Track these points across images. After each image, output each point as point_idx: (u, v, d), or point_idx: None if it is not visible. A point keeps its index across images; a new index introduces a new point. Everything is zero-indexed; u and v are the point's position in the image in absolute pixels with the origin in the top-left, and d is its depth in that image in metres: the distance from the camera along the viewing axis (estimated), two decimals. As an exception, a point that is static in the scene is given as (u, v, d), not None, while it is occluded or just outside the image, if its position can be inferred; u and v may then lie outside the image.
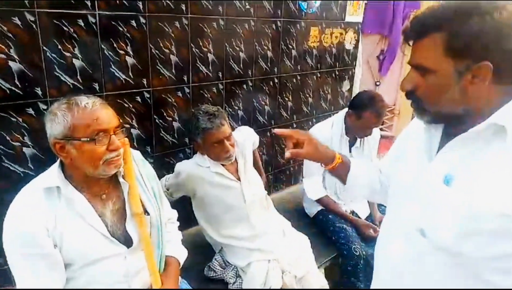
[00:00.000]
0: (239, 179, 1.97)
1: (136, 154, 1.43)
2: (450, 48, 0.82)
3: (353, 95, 3.11)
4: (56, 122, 1.14)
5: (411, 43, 0.90)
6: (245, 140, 2.03)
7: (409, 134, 1.15)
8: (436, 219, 0.91)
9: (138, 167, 1.38)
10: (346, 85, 3.30)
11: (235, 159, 1.97)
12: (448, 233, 0.88)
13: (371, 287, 1.20)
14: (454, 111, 0.88)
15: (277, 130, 1.20)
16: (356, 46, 3.22)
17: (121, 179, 1.30)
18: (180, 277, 1.55)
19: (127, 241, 1.29)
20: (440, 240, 0.90)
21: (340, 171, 1.24)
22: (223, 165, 1.93)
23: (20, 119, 1.62)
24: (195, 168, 1.92)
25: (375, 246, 1.20)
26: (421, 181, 0.96)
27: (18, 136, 1.63)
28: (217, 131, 1.77)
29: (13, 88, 1.57)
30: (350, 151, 2.42)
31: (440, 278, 0.93)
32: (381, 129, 4.05)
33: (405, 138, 1.18)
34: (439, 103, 0.89)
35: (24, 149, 1.66)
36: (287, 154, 1.15)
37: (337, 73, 3.16)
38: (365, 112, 2.16)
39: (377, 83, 4.24)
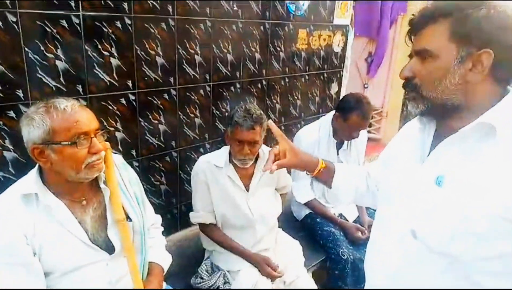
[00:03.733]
0: (247, 189, 1.96)
1: (117, 158, 1.40)
2: (456, 33, 0.84)
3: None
4: (34, 127, 1.12)
5: (413, 38, 0.93)
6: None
7: (401, 138, 1.15)
8: (427, 220, 0.91)
9: (119, 172, 1.35)
10: (334, 88, 3.30)
11: (253, 170, 1.96)
12: (438, 234, 0.88)
13: None
14: (449, 101, 0.89)
15: (271, 123, 1.23)
16: (344, 49, 3.23)
17: (102, 185, 1.28)
18: (164, 283, 1.53)
19: (109, 248, 1.27)
20: (431, 241, 0.90)
21: (325, 176, 1.24)
22: (237, 167, 1.92)
23: (1, 122, 1.58)
24: (207, 166, 1.92)
25: (366, 250, 1.19)
26: (413, 183, 0.97)
27: (-1, 139, 1.59)
28: (245, 131, 1.76)
29: (-7, 90, 1.53)
30: (337, 154, 2.42)
31: (432, 279, 0.94)
32: (368, 132, 4.07)
33: (397, 142, 1.18)
34: (437, 89, 0.89)
35: (5, 153, 1.62)
36: (274, 167, 1.14)
37: (325, 75, 3.16)
38: (351, 115, 2.17)
39: (365, 86, 4.27)
